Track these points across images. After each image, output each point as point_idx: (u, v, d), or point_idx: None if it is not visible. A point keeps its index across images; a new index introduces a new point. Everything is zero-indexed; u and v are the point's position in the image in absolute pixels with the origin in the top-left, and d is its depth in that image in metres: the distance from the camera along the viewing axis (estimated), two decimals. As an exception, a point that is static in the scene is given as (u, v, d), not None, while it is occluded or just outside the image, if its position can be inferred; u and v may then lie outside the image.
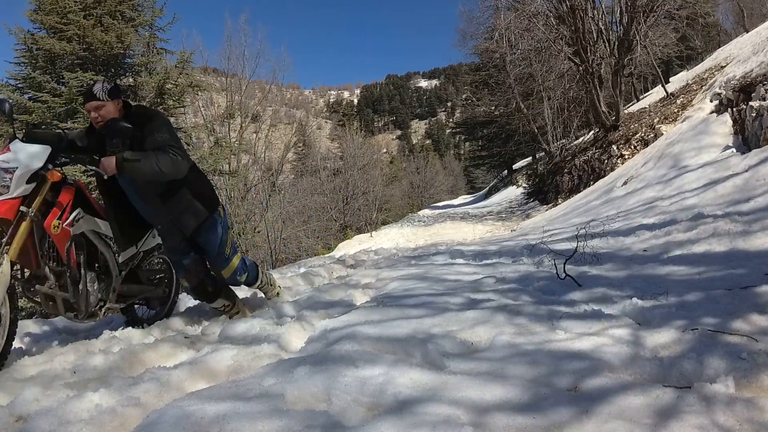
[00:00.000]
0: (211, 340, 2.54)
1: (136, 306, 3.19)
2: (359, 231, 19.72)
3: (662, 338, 1.86)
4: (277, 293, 3.45)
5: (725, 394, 1.42)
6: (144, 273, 3.06)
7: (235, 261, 2.91)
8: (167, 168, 2.46)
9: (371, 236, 15.38)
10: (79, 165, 2.53)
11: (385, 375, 1.69)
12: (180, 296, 4.17)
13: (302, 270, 5.65)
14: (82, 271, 2.47)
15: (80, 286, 2.45)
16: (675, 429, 1.31)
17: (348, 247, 12.65)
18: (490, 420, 1.41)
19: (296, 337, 2.41)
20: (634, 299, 2.45)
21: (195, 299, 3.23)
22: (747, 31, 15.63)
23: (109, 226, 2.70)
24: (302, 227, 18.94)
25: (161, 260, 3.28)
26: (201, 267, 2.86)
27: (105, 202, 2.78)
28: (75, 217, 2.44)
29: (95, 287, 2.55)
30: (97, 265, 2.63)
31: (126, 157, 2.39)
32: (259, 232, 14.17)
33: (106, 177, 2.57)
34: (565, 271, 3.12)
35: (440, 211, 24.07)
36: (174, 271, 3.28)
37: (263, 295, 3.42)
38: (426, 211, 25.60)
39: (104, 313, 2.65)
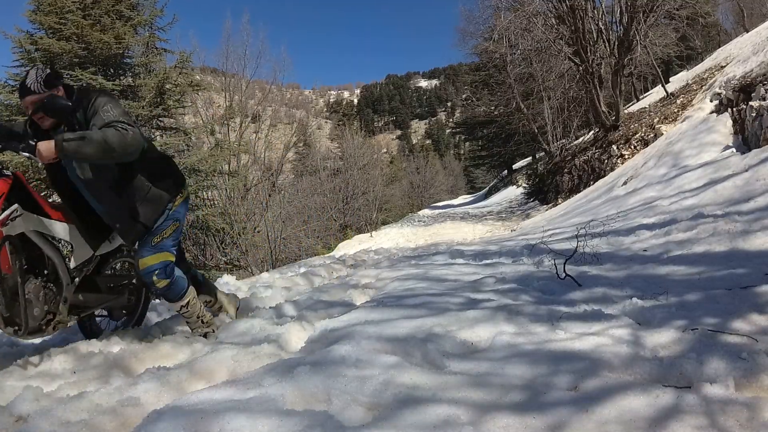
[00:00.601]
0: (211, 340, 2.54)
1: (97, 318, 2.82)
2: (359, 231, 19.72)
3: (662, 338, 1.87)
4: (205, 334, 2.66)
5: (725, 395, 1.42)
6: (103, 280, 2.65)
7: (160, 257, 2.39)
8: (116, 143, 2.06)
9: (371, 236, 15.37)
10: (18, 153, 2.14)
11: (385, 375, 1.69)
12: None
13: (302, 270, 5.66)
14: (19, 279, 2.10)
15: (19, 297, 2.09)
16: (675, 429, 1.31)
17: (348, 247, 12.65)
18: (490, 420, 1.41)
19: (296, 337, 2.41)
20: (634, 299, 2.45)
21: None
22: (747, 31, 15.64)
23: (64, 228, 2.33)
24: (302, 227, 18.93)
25: (126, 264, 2.89)
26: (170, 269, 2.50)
27: (62, 199, 2.46)
28: (10, 214, 2.07)
29: (40, 298, 2.19)
30: (46, 271, 2.29)
31: (66, 137, 2.02)
32: (259, 232, 14.16)
33: (41, 165, 2.23)
34: (565, 271, 3.12)
35: (440, 211, 24.07)
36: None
37: (186, 318, 2.70)
38: (426, 211, 25.62)
39: (54, 327, 2.29)
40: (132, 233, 2.39)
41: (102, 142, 2.04)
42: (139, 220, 2.35)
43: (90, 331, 2.74)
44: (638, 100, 17.58)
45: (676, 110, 11.00)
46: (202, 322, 2.66)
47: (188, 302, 2.57)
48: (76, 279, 2.40)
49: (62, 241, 2.36)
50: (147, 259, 2.36)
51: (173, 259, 2.46)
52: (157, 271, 2.36)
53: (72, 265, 2.38)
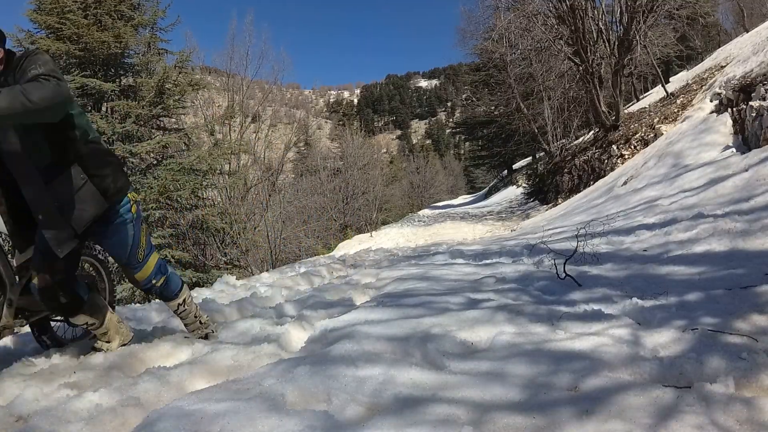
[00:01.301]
0: (212, 340, 2.53)
1: (52, 323, 2.48)
2: (359, 231, 19.74)
3: (662, 338, 1.87)
4: (206, 335, 2.54)
5: (725, 394, 1.42)
6: None
7: (152, 261, 2.29)
8: (35, 94, 1.71)
9: (371, 236, 15.39)
10: None
11: (385, 375, 1.69)
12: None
13: (302, 270, 5.66)
14: None
15: None
16: (675, 429, 1.31)
17: (348, 247, 12.66)
18: (490, 420, 1.41)
19: (296, 337, 2.42)
20: (634, 299, 2.45)
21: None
22: (747, 31, 15.63)
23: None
24: (302, 227, 18.95)
25: (85, 262, 2.58)
26: (59, 266, 2.01)
27: None
28: None
29: None
30: None
31: None
32: (259, 231, 14.18)
33: None
34: (565, 270, 3.12)
35: (440, 211, 24.08)
36: (104, 274, 2.68)
37: (183, 320, 2.54)
38: (426, 211, 25.63)
39: None
40: (55, 231, 1.94)
41: (18, 93, 1.71)
42: (68, 221, 1.95)
43: (44, 337, 2.45)
44: (638, 100, 17.58)
45: (676, 110, 11.00)
46: (200, 322, 2.56)
47: (185, 300, 2.47)
48: (23, 279, 2.08)
49: (2, 235, 2.06)
50: (142, 272, 2.26)
51: (158, 255, 2.37)
52: (155, 275, 2.30)
53: (16, 262, 2.08)
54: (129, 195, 2.18)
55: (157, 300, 3.47)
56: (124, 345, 2.34)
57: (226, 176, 13.01)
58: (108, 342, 2.31)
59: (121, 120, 9.73)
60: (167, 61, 11.52)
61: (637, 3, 11.77)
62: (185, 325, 2.56)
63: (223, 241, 12.46)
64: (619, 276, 3.24)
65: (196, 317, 2.54)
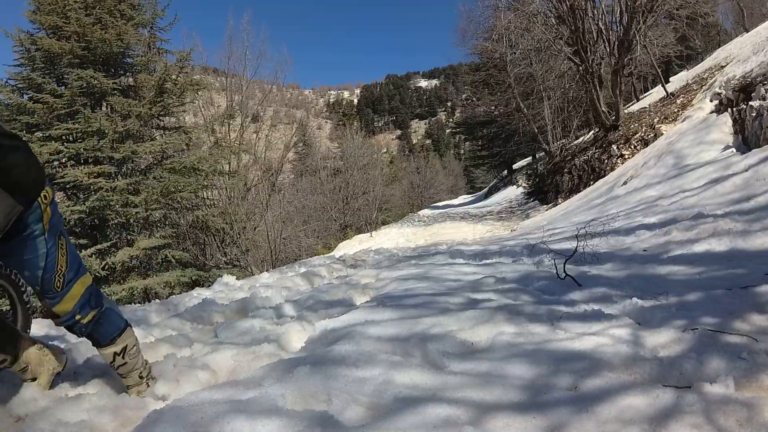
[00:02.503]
0: (211, 340, 2.53)
1: None
2: (359, 231, 19.74)
3: (662, 338, 1.87)
4: (138, 392, 1.81)
5: (725, 394, 1.42)
6: None
7: (76, 290, 1.62)
8: None
9: (371, 236, 15.39)
10: None
11: (385, 375, 1.69)
12: (188, 295, 4.11)
13: (302, 270, 5.65)
14: None
15: None
16: (675, 429, 1.31)
17: (348, 247, 12.66)
18: (490, 420, 1.41)
19: (296, 337, 2.41)
20: (634, 299, 2.45)
21: None
22: (747, 31, 15.64)
23: None
24: (302, 227, 18.96)
25: None
26: None
27: None
28: None
29: None
30: None
31: None
32: (259, 231, 14.19)
33: None
34: (565, 271, 3.12)
35: (440, 211, 24.08)
36: (15, 296, 2.13)
37: (121, 376, 1.82)
38: (426, 211, 25.63)
39: None
40: None
41: None
42: None
43: None
44: (638, 100, 17.59)
45: (676, 110, 11.00)
46: (140, 377, 1.85)
47: (125, 349, 1.77)
48: None
49: None
50: (62, 305, 1.60)
51: (90, 280, 1.69)
52: (82, 308, 1.64)
53: None
54: (42, 192, 1.53)
55: (157, 300, 3.42)
56: (58, 374, 1.87)
57: (227, 176, 13.02)
58: (33, 379, 1.76)
59: (122, 119, 9.74)
60: (168, 60, 11.53)
61: (637, 3, 11.76)
62: (121, 377, 1.84)
63: (223, 241, 12.47)
64: (619, 276, 3.24)
65: (141, 378, 1.84)
